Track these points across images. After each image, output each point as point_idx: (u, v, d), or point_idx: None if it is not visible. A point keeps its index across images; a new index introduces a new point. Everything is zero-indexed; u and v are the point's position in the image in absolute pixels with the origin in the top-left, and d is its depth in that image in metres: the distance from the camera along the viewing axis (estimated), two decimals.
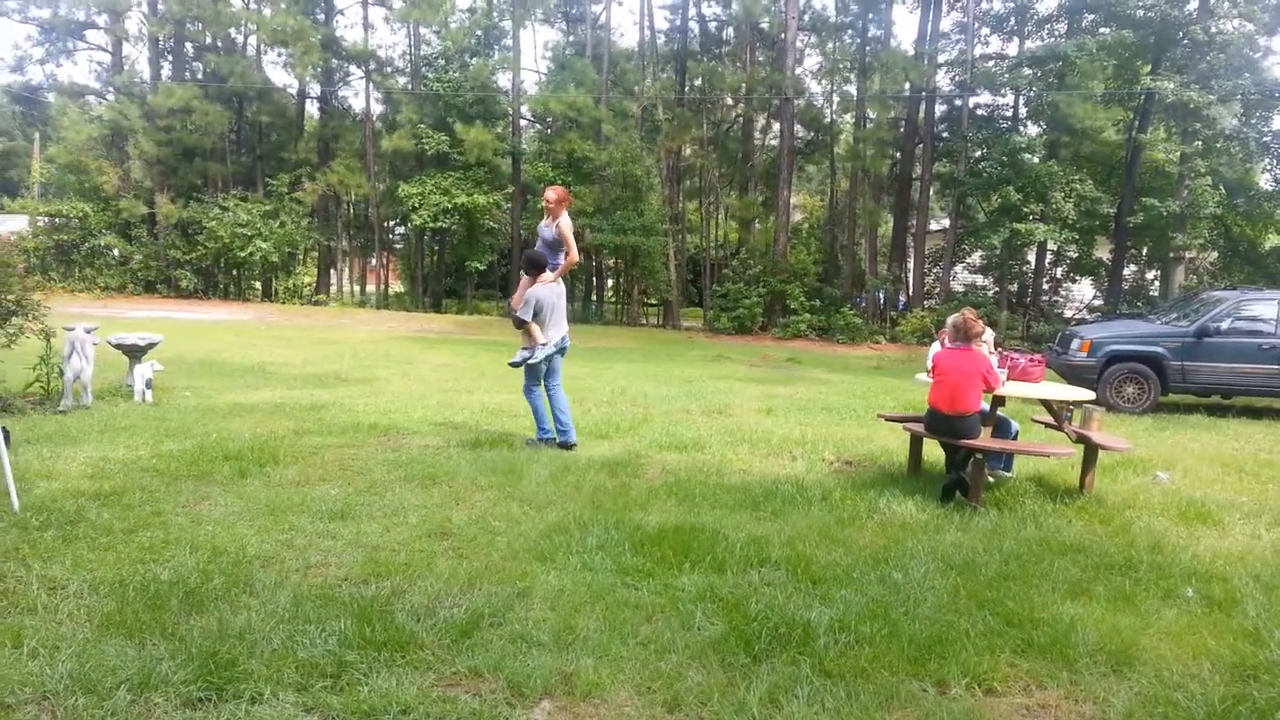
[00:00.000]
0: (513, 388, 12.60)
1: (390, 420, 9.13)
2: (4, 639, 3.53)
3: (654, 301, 37.00)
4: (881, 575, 4.81)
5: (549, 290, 7.88)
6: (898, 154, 34.42)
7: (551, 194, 8.13)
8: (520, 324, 7.86)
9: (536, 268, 7.93)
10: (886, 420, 8.31)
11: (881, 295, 32.92)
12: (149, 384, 9.53)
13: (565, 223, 8.02)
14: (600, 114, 31.35)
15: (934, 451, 7.76)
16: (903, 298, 33.35)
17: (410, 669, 3.49)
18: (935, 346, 7.78)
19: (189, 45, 35.83)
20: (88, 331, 8.96)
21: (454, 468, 6.99)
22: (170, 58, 35.53)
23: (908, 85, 31.40)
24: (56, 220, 32.76)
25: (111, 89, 35.35)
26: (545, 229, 8.13)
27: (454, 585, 4.38)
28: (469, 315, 33.82)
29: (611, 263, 36.79)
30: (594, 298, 38.37)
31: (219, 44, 35.38)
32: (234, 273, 35.16)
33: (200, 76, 34.99)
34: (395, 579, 4.44)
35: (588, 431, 9.08)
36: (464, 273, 35.97)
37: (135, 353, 9.75)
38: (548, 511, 5.83)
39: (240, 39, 36.01)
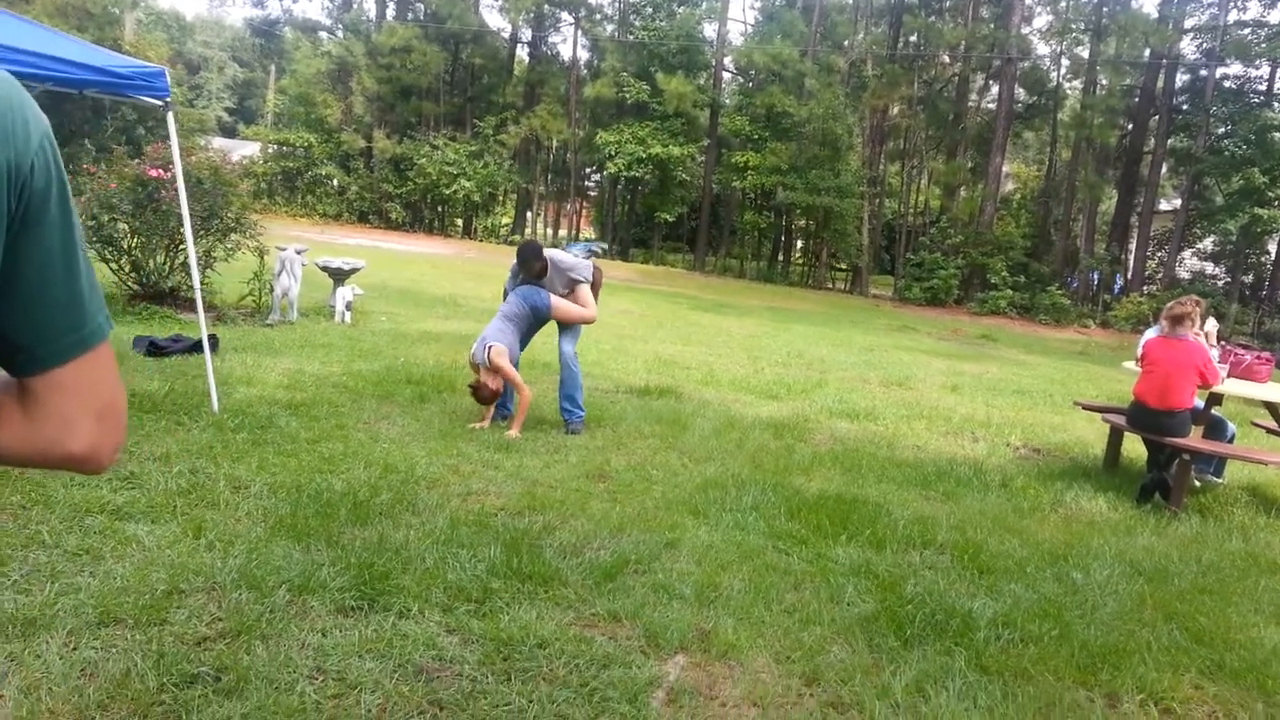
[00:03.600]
0: (687, 339, 12.60)
1: None
2: (187, 529, 3.79)
3: (843, 266, 36.01)
4: (1059, 573, 4.45)
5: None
6: (1129, 125, 31.70)
7: None
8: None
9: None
10: (1084, 409, 7.67)
11: (1096, 276, 30.59)
12: (349, 306, 10.11)
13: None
14: (805, 68, 30.51)
15: (1134, 447, 7.13)
16: (1120, 280, 30.86)
17: (551, 604, 3.50)
18: (1150, 333, 7.07)
19: None
20: (298, 252, 9.57)
21: (619, 413, 7.01)
22: None
23: (1147, 51, 28.74)
24: (284, 149, 35.38)
25: (340, 26, 37.61)
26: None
27: (604, 528, 4.37)
28: (654, 265, 34.09)
29: (802, 223, 35.99)
30: (780, 257, 37.76)
31: None
32: (439, 209, 36.90)
33: (421, 18, 36.59)
34: (548, 515, 4.48)
35: (758, 390, 8.92)
36: (653, 223, 36.25)
37: (339, 276, 10.34)
38: (706, 466, 5.74)
39: None
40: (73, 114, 25.87)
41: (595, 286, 6.62)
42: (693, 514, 4.75)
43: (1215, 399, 6.53)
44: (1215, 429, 6.65)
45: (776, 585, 3.91)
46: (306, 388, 6.67)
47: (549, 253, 6.52)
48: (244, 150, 36.73)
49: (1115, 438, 7.03)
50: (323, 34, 40.09)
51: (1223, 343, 7.49)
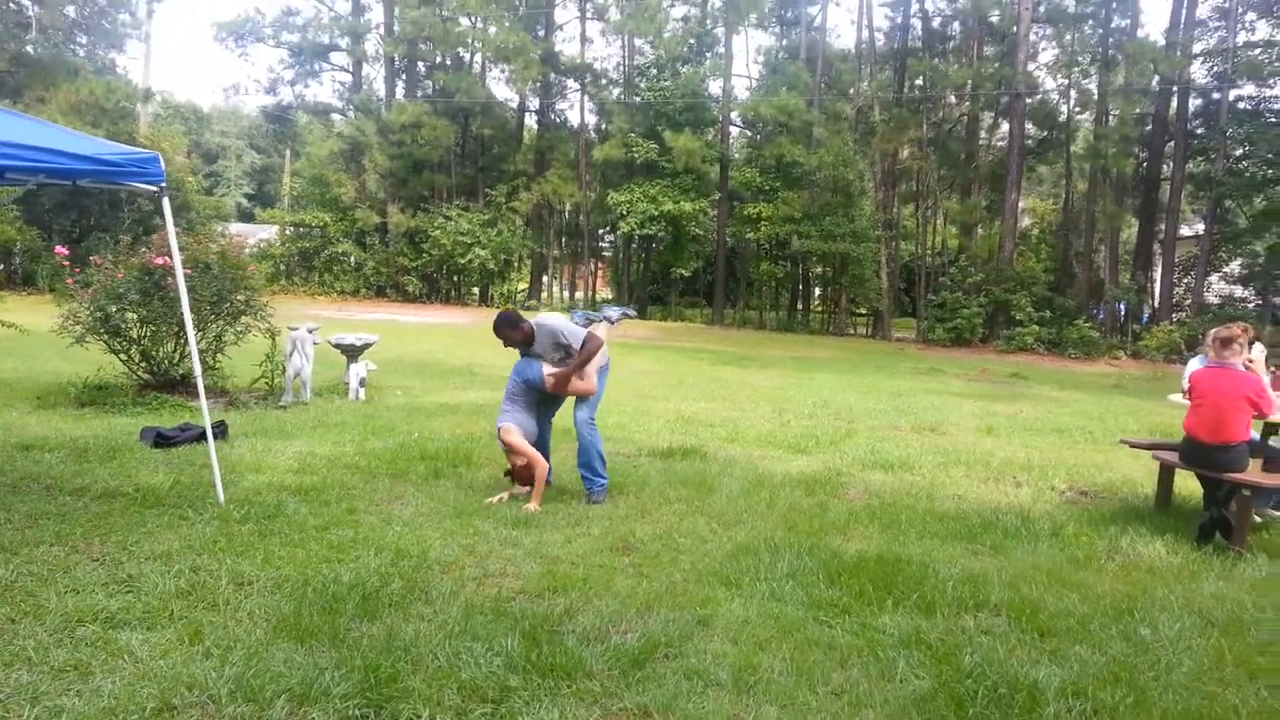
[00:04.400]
0: (709, 395, 12.32)
1: None
2: (184, 634, 3.54)
3: (863, 311, 35.74)
4: (1125, 630, 4.10)
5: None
6: (1144, 152, 31.44)
7: None
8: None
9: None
10: (1132, 446, 7.30)
11: (1123, 307, 30.11)
12: (363, 382, 9.93)
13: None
14: (812, 117, 30.62)
15: (1186, 484, 6.76)
16: (1147, 310, 30.35)
17: (575, 700, 3.20)
18: (1194, 363, 6.73)
19: (420, 64, 38.25)
20: (309, 331, 9.44)
21: (643, 477, 6.74)
22: (404, 76, 38.03)
23: (1156, 78, 28.61)
24: (301, 229, 35.74)
25: (351, 107, 38.31)
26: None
27: (630, 607, 4.08)
28: (672, 321, 33.97)
29: (819, 270, 35.83)
30: (799, 306, 37.52)
31: (448, 62, 37.55)
32: (454, 279, 37.06)
33: (430, 94, 37.19)
34: (571, 595, 4.19)
35: (786, 444, 8.62)
36: (669, 279, 36.26)
37: (352, 352, 10.20)
38: (736, 530, 5.44)
39: (467, 57, 38.04)
40: (90, 208, 26.32)
41: (585, 354, 6.08)
42: (725, 585, 4.45)
43: (1272, 429, 6.16)
44: (1274, 461, 6.26)
45: (821, 663, 3.59)
46: (317, 471, 6.44)
47: (541, 319, 6.22)
48: (262, 234, 37.26)
49: (1166, 475, 6.66)
50: (335, 115, 40.86)
51: (1274, 369, 7.12)
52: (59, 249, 8.90)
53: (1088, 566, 5.10)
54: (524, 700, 3.17)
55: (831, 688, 3.39)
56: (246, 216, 49.91)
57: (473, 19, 35.57)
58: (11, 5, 27.02)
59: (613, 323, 6.72)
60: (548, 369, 6.11)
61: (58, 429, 7.38)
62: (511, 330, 6.09)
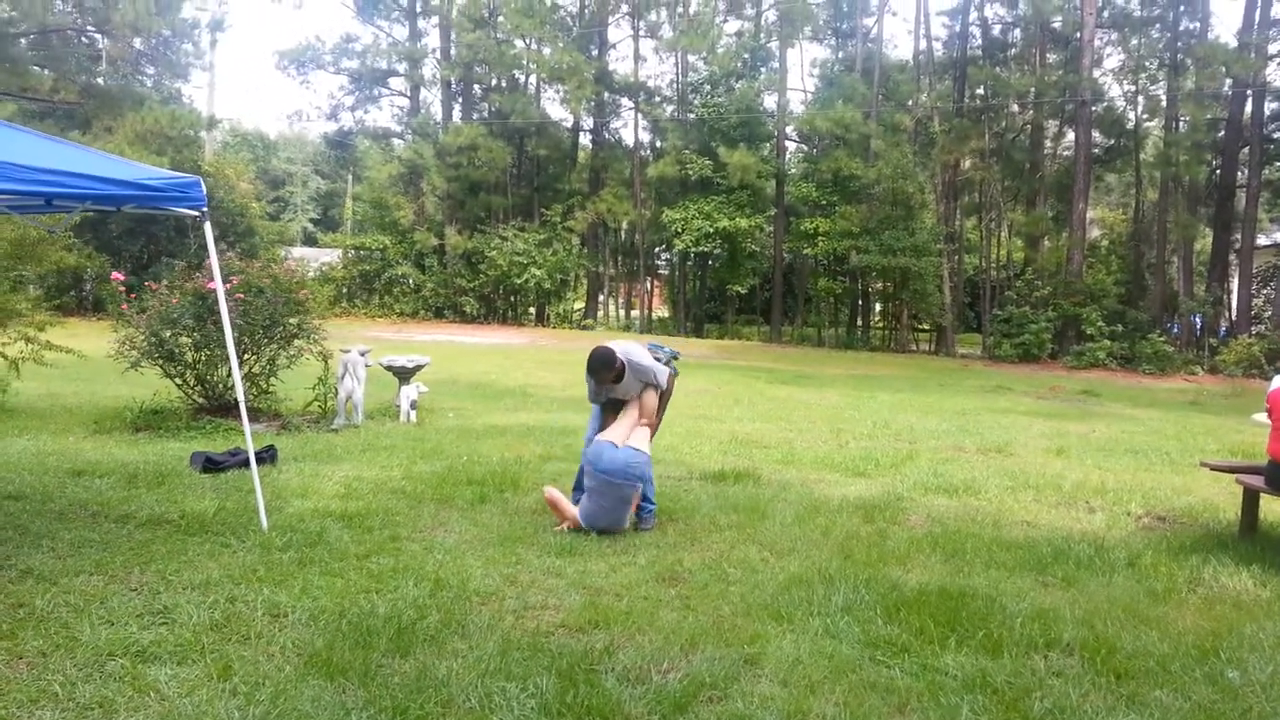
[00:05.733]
0: (765, 415, 12.06)
1: None
2: (214, 670, 3.44)
3: (925, 327, 35.04)
4: (1210, 672, 3.78)
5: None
6: (1217, 159, 30.33)
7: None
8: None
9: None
10: (1212, 469, 6.87)
11: (1198, 320, 28.99)
12: (414, 405, 9.90)
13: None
14: (869, 129, 30.22)
15: (1272, 507, 6.32)
16: (1224, 323, 29.20)
17: None
18: (1277, 380, 6.29)
19: (476, 87, 38.73)
20: (361, 354, 9.44)
21: (693, 502, 6.53)
22: (460, 100, 38.51)
23: (1229, 81, 27.58)
24: (361, 252, 36.31)
25: (410, 131, 38.88)
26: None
27: (675, 643, 3.88)
28: (729, 340, 33.69)
29: (879, 286, 35.24)
30: (859, 323, 36.92)
31: (503, 84, 37.96)
32: (511, 299, 37.27)
33: (486, 116, 37.61)
34: (613, 630, 4.01)
35: (843, 467, 8.33)
36: (725, 296, 36.01)
37: (404, 374, 10.18)
38: (790, 560, 5.20)
39: (522, 78, 38.41)
40: (158, 234, 27.05)
41: (665, 395, 6.16)
42: (775, 619, 4.22)
43: None
44: None
45: (877, 709, 3.35)
46: (363, 496, 6.36)
47: (627, 354, 5.97)
48: (325, 257, 37.95)
49: (1250, 500, 6.24)
50: (394, 140, 41.55)
51: None
52: (115, 275, 9.05)
53: (1167, 600, 4.75)
54: None
55: None
56: (311, 240, 50.91)
57: (527, 41, 35.92)
58: (84, 40, 27.98)
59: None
60: (646, 450, 5.88)
61: (110, 454, 7.45)
62: (607, 371, 5.89)
